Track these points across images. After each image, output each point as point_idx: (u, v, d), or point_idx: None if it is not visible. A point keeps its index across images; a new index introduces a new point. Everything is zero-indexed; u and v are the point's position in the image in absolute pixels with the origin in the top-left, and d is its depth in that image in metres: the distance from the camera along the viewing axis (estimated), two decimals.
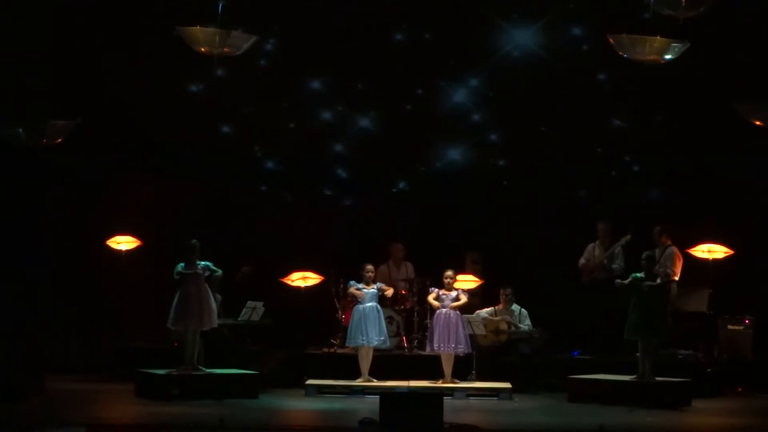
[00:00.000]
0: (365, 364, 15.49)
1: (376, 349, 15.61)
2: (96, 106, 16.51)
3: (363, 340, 15.40)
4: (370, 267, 15.72)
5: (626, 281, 15.05)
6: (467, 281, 16.39)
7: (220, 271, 15.16)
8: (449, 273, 15.58)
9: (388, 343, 15.74)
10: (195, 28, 13.75)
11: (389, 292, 15.91)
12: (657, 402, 14.38)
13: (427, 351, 15.66)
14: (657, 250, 16.11)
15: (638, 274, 14.85)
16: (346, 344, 15.78)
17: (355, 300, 15.70)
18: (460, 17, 17.11)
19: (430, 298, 15.62)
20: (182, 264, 14.96)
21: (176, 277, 14.94)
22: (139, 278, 17.06)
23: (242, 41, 13.94)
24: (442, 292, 15.53)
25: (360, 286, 15.59)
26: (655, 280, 14.83)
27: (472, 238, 17.74)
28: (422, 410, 12.04)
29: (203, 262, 15.06)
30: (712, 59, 16.16)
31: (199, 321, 14.93)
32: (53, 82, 15.56)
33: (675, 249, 16.35)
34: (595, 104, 17.39)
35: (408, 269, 17.45)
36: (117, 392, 15.03)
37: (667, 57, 13.65)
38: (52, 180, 17.43)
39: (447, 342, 15.31)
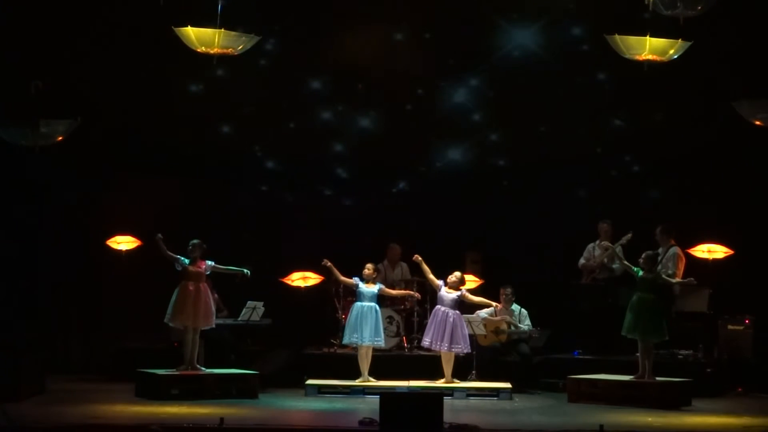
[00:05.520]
0: (365, 364, 15.49)
1: (376, 349, 15.61)
2: (95, 106, 16.52)
3: (356, 338, 15.39)
4: (369, 266, 15.72)
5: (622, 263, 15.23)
6: (467, 281, 16.36)
7: (246, 271, 15.22)
8: (457, 274, 15.55)
9: (384, 344, 15.71)
10: (188, 28, 13.75)
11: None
12: (657, 402, 14.39)
13: (422, 344, 15.70)
14: (660, 250, 16.08)
15: (640, 271, 14.84)
16: (342, 342, 15.79)
17: (355, 299, 15.71)
18: (460, 17, 17.13)
19: (432, 279, 15.61)
20: (187, 260, 14.99)
21: (178, 268, 14.96)
22: (139, 278, 17.05)
23: (238, 41, 13.94)
24: (446, 290, 15.52)
25: (363, 286, 15.58)
26: (654, 280, 14.83)
27: (472, 238, 17.73)
28: (422, 410, 12.03)
29: (208, 262, 15.11)
30: (713, 59, 16.19)
31: (195, 319, 14.93)
32: (53, 83, 15.55)
33: (678, 250, 16.33)
34: (595, 104, 17.40)
35: (403, 270, 17.44)
36: (117, 392, 15.01)
37: (667, 57, 13.67)
38: (52, 180, 17.43)
39: (441, 340, 15.29)
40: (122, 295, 17.49)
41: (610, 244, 15.66)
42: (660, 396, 14.52)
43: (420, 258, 15.56)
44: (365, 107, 17.98)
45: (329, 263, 15.61)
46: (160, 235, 14.95)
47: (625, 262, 15.10)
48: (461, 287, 15.53)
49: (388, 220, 17.94)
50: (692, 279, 15.36)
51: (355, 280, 15.61)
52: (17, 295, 16.96)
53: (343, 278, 15.72)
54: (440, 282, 15.56)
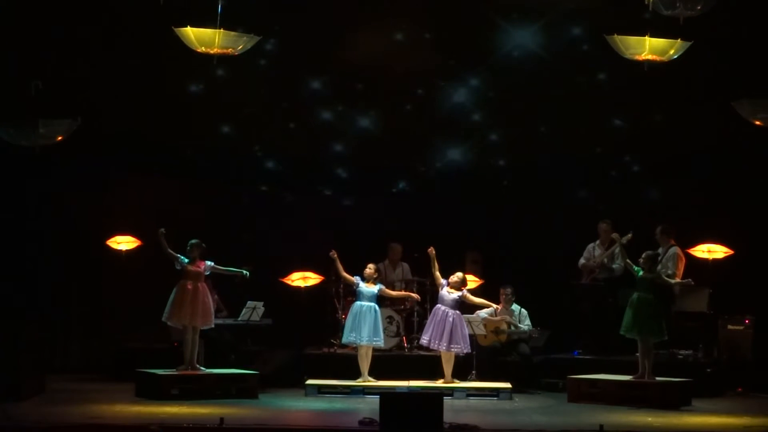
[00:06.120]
0: (365, 364, 15.49)
1: (376, 349, 15.61)
2: (95, 106, 16.52)
3: (354, 337, 15.39)
4: (371, 266, 15.72)
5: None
6: (468, 281, 16.34)
7: (245, 272, 15.23)
8: (459, 274, 15.56)
9: (383, 344, 15.70)
10: (187, 28, 13.75)
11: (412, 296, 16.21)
12: (657, 402, 14.39)
13: (420, 342, 15.70)
14: (660, 250, 16.07)
15: (640, 270, 14.84)
16: (341, 341, 15.80)
17: (355, 299, 15.71)
18: (460, 17, 17.12)
19: (437, 276, 15.58)
20: (187, 259, 14.99)
21: (177, 267, 14.96)
22: (139, 278, 17.06)
23: (238, 41, 13.93)
24: (447, 289, 15.51)
25: (363, 285, 15.58)
26: (653, 280, 14.82)
27: (472, 238, 17.73)
28: (422, 410, 12.04)
29: (207, 262, 15.12)
30: (713, 59, 16.19)
31: (193, 318, 14.91)
32: (53, 83, 15.55)
33: (678, 249, 16.33)
34: (595, 104, 17.40)
35: (404, 270, 17.44)
36: (117, 392, 15.01)
37: (667, 57, 13.67)
38: (52, 180, 17.43)
39: (440, 340, 15.29)
40: (122, 295, 17.51)
41: (618, 236, 15.50)
42: (660, 396, 14.52)
43: (434, 252, 15.54)
44: (365, 107, 17.98)
45: (336, 255, 15.58)
46: (163, 230, 14.95)
47: (628, 261, 15.10)
48: (463, 288, 15.53)
49: (388, 220, 17.94)
50: (690, 280, 15.37)
51: (356, 279, 15.61)
52: (18, 295, 16.96)
53: (344, 274, 15.68)
54: (443, 281, 15.56)
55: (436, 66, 17.67)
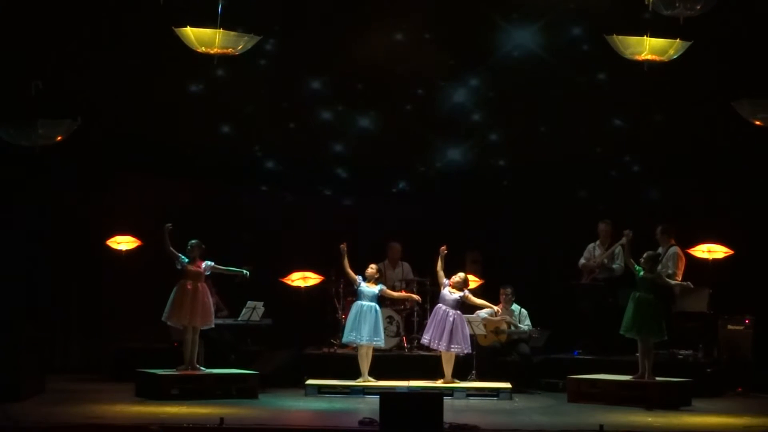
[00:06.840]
0: (365, 363, 15.49)
1: (376, 349, 15.61)
2: (95, 106, 16.52)
3: (353, 336, 15.38)
4: (373, 266, 15.72)
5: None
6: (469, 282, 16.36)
7: (246, 272, 15.22)
8: (461, 275, 15.55)
9: (383, 344, 15.69)
10: (187, 28, 13.75)
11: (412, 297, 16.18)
12: (657, 402, 14.39)
13: (421, 341, 15.70)
14: (660, 250, 16.07)
15: (641, 270, 14.83)
16: (342, 341, 15.79)
17: (355, 298, 15.71)
18: (460, 17, 17.12)
19: (440, 275, 15.57)
20: (187, 259, 14.99)
21: (178, 267, 14.96)
22: (139, 278, 17.06)
23: (238, 41, 13.93)
24: (449, 289, 15.50)
25: (364, 285, 15.57)
26: (654, 280, 14.82)
27: (472, 238, 17.74)
28: (422, 410, 12.04)
29: (207, 262, 15.11)
30: (713, 59, 16.19)
31: (192, 318, 14.91)
32: (53, 83, 15.56)
33: (678, 249, 16.33)
34: (595, 104, 17.40)
35: (404, 269, 17.44)
36: (117, 392, 15.02)
37: (667, 57, 13.67)
38: (53, 180, 17.44)
39: (440, 339, 15.28)
40: (122, 295, 17.51)
41: (628, 232, 15.32)
42: (660, 396, 14.52)
43: (446, 252, 15.51)
44: (365, 107, 17.98)
45: (345, 249, 15.53)
46: (169, 225, 14.94)
47: (630, 260, 15.08)
48: (465, 288, 15.53)
49: (387, 220, 17.94)
50: (689, 283, 15.34)
51: (359, 278, 15.60)
52: (17, 295, 16.96)
53: (349, 270, 15.60)
54: (445, 280, 15.55)
55: (436, 66, 17.66)
